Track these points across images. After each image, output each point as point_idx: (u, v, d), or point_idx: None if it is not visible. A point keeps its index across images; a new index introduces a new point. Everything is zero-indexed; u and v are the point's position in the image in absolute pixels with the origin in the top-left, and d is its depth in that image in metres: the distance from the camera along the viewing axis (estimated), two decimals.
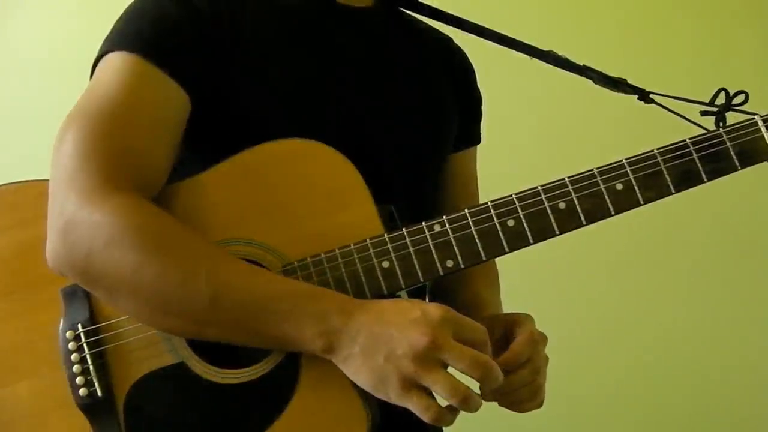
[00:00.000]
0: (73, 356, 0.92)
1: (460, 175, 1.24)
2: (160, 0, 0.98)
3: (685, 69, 2.05)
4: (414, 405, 0.84)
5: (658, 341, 2.21)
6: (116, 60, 0.96)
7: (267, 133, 0.97)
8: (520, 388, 0.96)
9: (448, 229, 0.94)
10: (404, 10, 1.19)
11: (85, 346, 0.92)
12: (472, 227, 0.94)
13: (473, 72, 1.26)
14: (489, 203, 0.94)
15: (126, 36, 0.98)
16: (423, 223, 0.94)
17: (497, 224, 0.94)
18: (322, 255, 0.94)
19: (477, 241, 0.93)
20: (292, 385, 0.91)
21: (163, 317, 0.88)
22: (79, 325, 0.93)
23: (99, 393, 0.91)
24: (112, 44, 0.97)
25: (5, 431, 0.93)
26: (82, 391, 0.91)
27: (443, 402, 0.84)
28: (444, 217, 0.94)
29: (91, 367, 0.92)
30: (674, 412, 2.19)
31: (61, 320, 0.94)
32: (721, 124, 0.99)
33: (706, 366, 2.19)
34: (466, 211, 0.94)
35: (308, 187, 0.96)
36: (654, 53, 2.14)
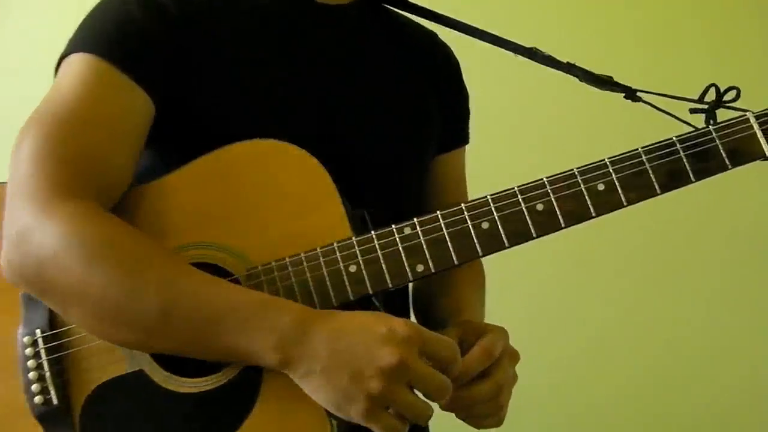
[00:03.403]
0: (30, 362, 0.89)
1: (447, 177, 1.19)
2: (125, 1, 0.95)
3: (674, 66, 1.99)
4: (381, 427, 0.80)
5: (662, 343, 2.17)
6: (78, 62, 0.93)
7: (237, 136, 0.94)
8: (479, 403, 0.91)
9: (419, 232, 0.89)
10: (387, 6, 1.15)
11: (42, 352, 0.89)
12: (444, 230, 0.89)
13: (459, 69, 1.20)
14: (462, 205, 0.90)
15: (89, 38, 0.94)
16: (393, 225, 0.90)
17: (470, 226, 0.89)
18: (287, 259, 0.90)
19: (449, 244, 0.89)
20: (253, 395, 0.87)
21: (112, 329, 0.85)
22: (38, 331, 0.90)
23: (55, 401, 0.88)
24: (74, 46, 0.95)
25: None
26: (37, 399, 0.88)
27: None
28: (415, 219, 0.90)
29: (47, 374, 0.89)
30: (677, 415, 2.15)
31: (20, 325, 0.91)
32: (711, 121, 0.94)
33: (708, 368, 2.15)
34: (437, 213, 0.90)
35: (275, 189, 0.93)
36: (642, 50, 2.09)
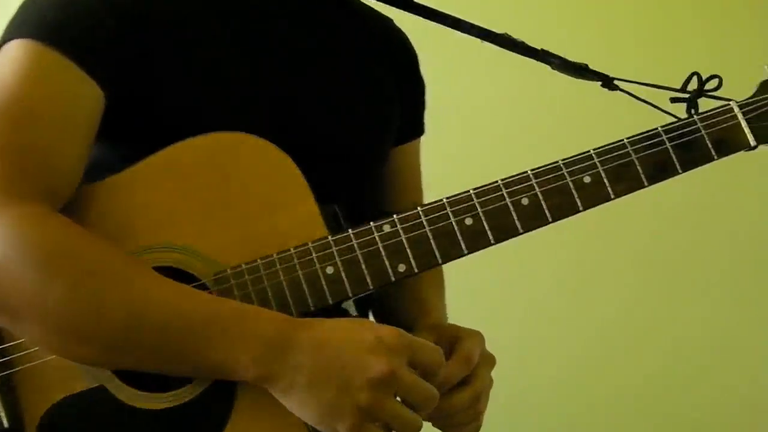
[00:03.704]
0: None
1: (403, 169, 1.14)
2: None
3: (651, 55, 1.97)
4: None
5: (665, 344, 2.16)
6: (18, 49, 0.84)
7: (195, 127, 0.87)
8: (459, 412, 0.88)
9: (400, 230, 0.84)
10: None
11: None
12: (426, 227, 0.85)
13: (416, 57, 1.16)
14: (444, 200, 0.85)
15: (30, 22, 0.86)
16: (371, 223, 0.85)
17: (454, 223, 0.85)
18: (259, 261, 0.84)
19: (432, 242, 0.84)
20: (226, 410, 0.81)
21: (72, 345, 0.78)
22: None
23: (5, 423, 0.80)
24: (13, 31, 0.85)
25: None
26: None
27: None
28: (395, 216, 0.85)
29: None
30: (680, 415, 2.15)
31: None
32: (693, 111, 0.91)
33: (711, 369, 2.15)
34: (419, 209, 0.85)
35: (242, 186, 0.86)
36: (621, 38, 2.07)
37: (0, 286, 0.76)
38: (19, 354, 0.82)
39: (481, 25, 1.02)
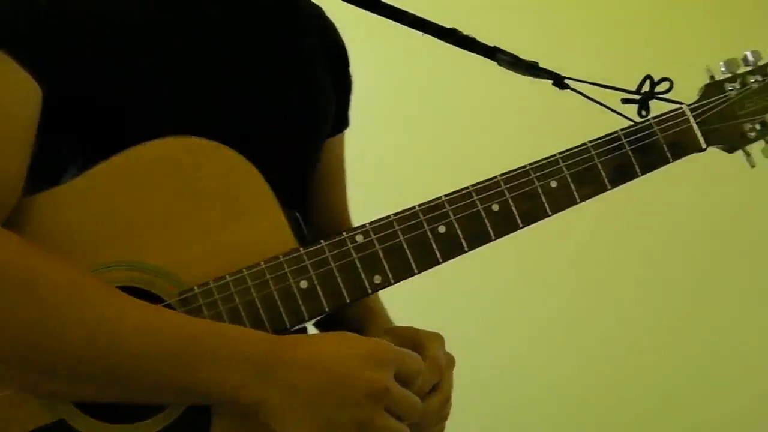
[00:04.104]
0: None
1: (335, 161, 1.12)
2: None
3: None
4: None
5: (668, 347, 2.18)
6: None
7: (140, 128, 0.81)
8: (430, 416, 0.87)
9: (374, 240, 0.82)
10: None
11: None
12: (401, 236, 0.83)
13: (346, 49, 1.13)
14: (417, 207, 0.84)
15: None
16: (344, 233, 0.82)
17: (428, 231, 0.83)
18: (228, 277, 0.79)
19: (407, 251, 0.82)
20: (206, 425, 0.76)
21: (38, 379, 0.71)
22: None
23: None
24: None
25: None
26: None
27: None
28: (367, 225, 0.82)
29: None
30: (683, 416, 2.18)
31: None
32: (644, 112, 0.94)
33: (717, 371, 2.18)
34: (392, 217, 0.83)
35: (201, 195, 0.81)
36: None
37: None
38: None
39: (431, 21, 1.00)
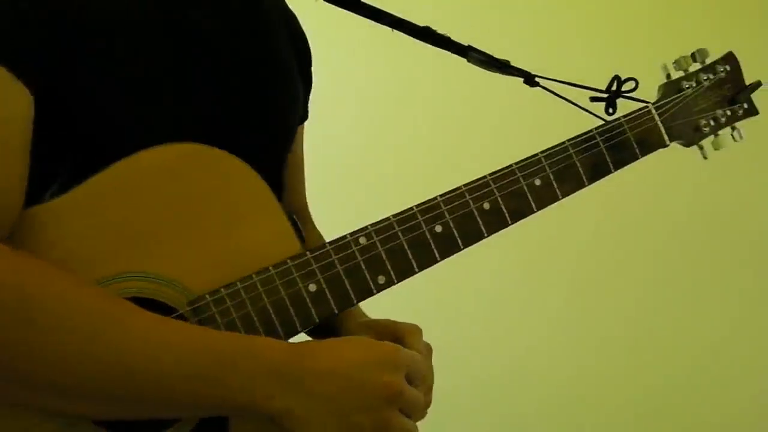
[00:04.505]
0: None
1: (295, 153, 1.13)
2: None
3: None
4: None
5: (670, 347, 2.21)
6: None
7: (122, 134, 0.81)
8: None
9: (376, 242, 0.84)
10: None
11: None
12: (401, 237, 0.85)
13: (307, 40, 1.14)
14: (415, 208, 0.86)
15: None
16: (348, 235, 0.84)
17: (426, 231, 0.86)
18: (238, 284, 0.79)
19: (408, 252, 0.85)
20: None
21: (63, 402, 0.70)
22: None
23: None
24: None
25: None
26: None
27: None
28: (369, 227, 0.84)
29: None
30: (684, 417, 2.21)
31: None
32: (611, 110, 1.00)
33: (716, 372, 2.21)
34: (392, 219, 0.85)
35: (205, 202, 0.80)
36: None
37: None
38: None
39: (403, 17, 1.02)
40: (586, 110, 1.00)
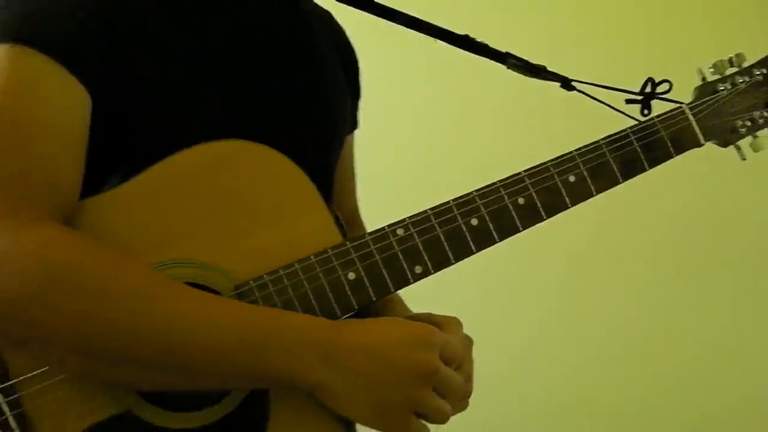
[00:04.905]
0: None
1: (345, 160, 1.17)
2: None
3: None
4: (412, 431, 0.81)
5: (671, 347, 2.20)
6: (5, 56, 0.77)
7: (174, 130, 0.85)
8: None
9: (414, 233, 0.88)
10: None
11: (3, 407, 0.75)
12: (438, 229, 0.88)
13: (355, 50, 1.19)
14: (452, 202, 0.89)
15: (10, 23, 0.79)
16: (385, 227, 0.87)
17: (462, 224, 0.89)
18: (281, 271, 0.83)
19: (444, 243, 0.88)
20: (262, 423, 0.81)
21: (114, 371, 0.75)
22: None
23: None
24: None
25: None
26: None
27: None
28: (407, 219, 0.88)
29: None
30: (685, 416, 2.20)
31: None
32: (646, 111, 1.02)
33: (716, 372, 2.20)
34: (428, 212, 0.89)
35: (248, 195, 0.85)
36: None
37: (35, 312, 0.71)
38: (33, 389, 0.76)
39: (442, 27, 1.06)
40: (622, 112, 1.03)
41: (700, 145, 1.00)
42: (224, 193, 0.85)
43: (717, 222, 2.16)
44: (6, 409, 0.75)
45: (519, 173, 0.92)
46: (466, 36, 1.07)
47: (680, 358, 2.18)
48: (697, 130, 0.99)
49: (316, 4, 1.12)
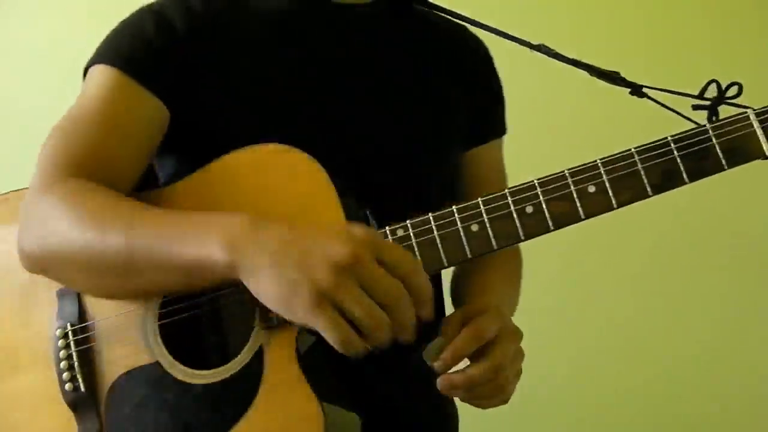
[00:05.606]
0: (62, 353, 0.98)
1: (483, 169, 1.20)
2: (141, 20, 1.04)
3: (678, 62, 1.93)
4: (323, 322, 0.77)
5: (671, 346, 2.16)
6: (97, 73, 1.03)
7: (245, 141, 0.97)
8: (478, 385, 0.91)
9: (411, 234, 0.92)
10: (416, 5, 1.16)
11: (72, 344, 0.99)
12: (435, 232, 0.91)
13: (489, 60, 1.21)
14: (454, 207, 0.92)
15: (108, 51, 1.04)
16: (386, 227, 0.93)
17: (460, 228, 0.91)
18: None
19: (439, 246, 0.91)
20: (255, 386, 0.92)
21: (97, 280, 0.93)
22: (68, 324, 0.99)
23: (82, 388, 0.97)
24: (98, 57, 1.04)
25: (1, 423, 1.01)
26: (67, 387, 0.98)
27: None
28: (407, 221, 0.92)
29: (76, 364, 0.98)
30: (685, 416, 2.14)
31: (54, 320, 1.00)
32: (714, 118, 0.91)
33: (715, 372, 2.15)
34: (429, 215, 0.92)
35: (274, 194, 0.95)
36: (647, 45, 2.05)
37: (50, 243, 0.93)
38: (96, 332, 0.98)
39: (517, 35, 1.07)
40: (690, 119, 0.93)
41: (765, 156, 0.86)
42: (254, 192, 0.95)
43: (717, 221, 2.11)
44: (73, 345, 0.98)
45: (531, 181, 0.90)
46: (541, 45, 1.06)
47: (680, 357, 2.14)
48: (762, 138, 0.86)
49: (447, 22, 1.18)
